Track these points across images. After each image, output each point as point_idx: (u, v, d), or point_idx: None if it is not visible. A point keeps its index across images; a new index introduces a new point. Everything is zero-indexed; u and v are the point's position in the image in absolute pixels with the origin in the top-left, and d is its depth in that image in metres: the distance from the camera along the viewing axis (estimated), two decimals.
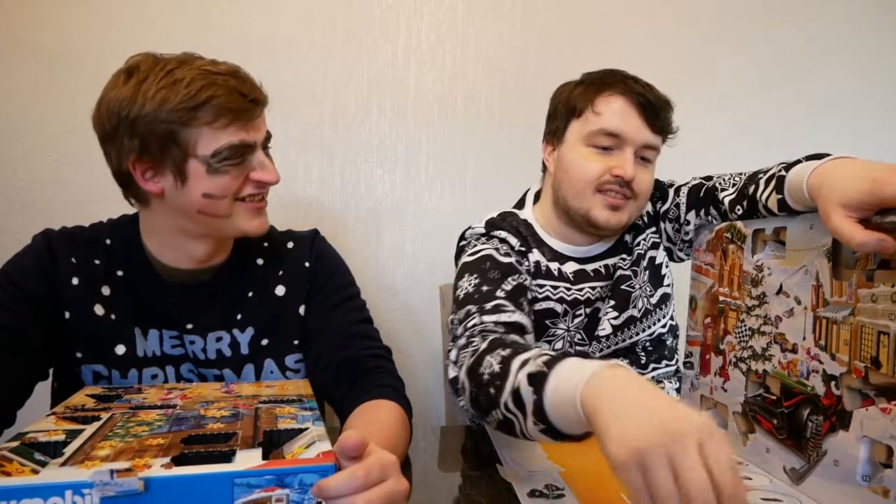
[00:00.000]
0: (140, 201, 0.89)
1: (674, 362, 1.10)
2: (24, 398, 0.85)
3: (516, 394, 0.66)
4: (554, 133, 1.06)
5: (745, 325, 0.83)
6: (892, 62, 1.69)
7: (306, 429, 0.64)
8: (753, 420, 0.80)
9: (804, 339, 0.71)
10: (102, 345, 0.90)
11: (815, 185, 0.68)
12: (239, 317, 0.95)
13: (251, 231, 0.89)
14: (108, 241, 0.93)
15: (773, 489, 0.71)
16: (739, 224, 0.86)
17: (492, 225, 1.07)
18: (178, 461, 0.54)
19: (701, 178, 1.00)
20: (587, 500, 0.67)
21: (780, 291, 0.76)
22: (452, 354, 0.86)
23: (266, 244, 1.01)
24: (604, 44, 1.56)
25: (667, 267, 1.09)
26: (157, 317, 0.92)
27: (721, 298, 0.89)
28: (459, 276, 1.00)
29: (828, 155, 0.72)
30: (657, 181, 1.09)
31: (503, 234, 1.05)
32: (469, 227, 1.11)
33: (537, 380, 0.63)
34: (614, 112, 0.98)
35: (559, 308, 1.04)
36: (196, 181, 0.83)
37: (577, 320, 1.05)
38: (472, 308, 0.91)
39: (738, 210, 0.87)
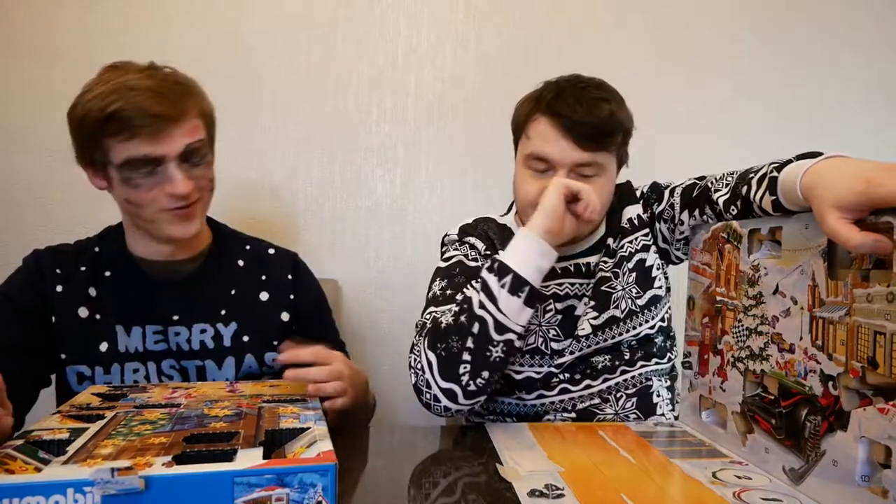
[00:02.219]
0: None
1: (665, 361, 1.09)
2: (31, 404, 0.94)
3: (485, 287, 0.91)
4: (515, 148, 1.11)
5: (742, 325, 0.84)
6: (893, 62, 1.70)
7: (308, 428, 0.64)
8: (752, 420, 0.81)
9: (801, 338, 0.72)
10: (87, 344, 0.96)
11: (808, 185, 0.68)
12: (223, 312, 1.01)
13: (176, 237, 0.95)
14: (96, 249, 1.01)
15: (773, 489, 0.71)
16: (735, 224, 0.86)
17: (464, 231, 1.14)
18: (179, 460, 0.54)
19: (695, 179, 1.00)
20: (587, 500, 0.67)
21: (776, 291, 0.77)
22: (411, 359, 0.95)
23: (248, 247, 1.09)
24: (604, 43, 1.56)
25: (659, 269, 1.09)
26: (142, 313, 0.98)
27: (718, 298, 0.90)
28: (433, 279, 1.08)
29: (819, 153, 0.72)
30: (654, 184, 1.10)
31: (472, 239, 1.11)
32: (447, 234, 1.17)
33: (492, 265, 0.92)
34: (539, 136, 0.98)
35: None
36: (118, 187, 0.91)
37: (547, 315, 1.06)
38: (429, 317, 0.98)
39: (733, 210, 0.87)
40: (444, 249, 1.16)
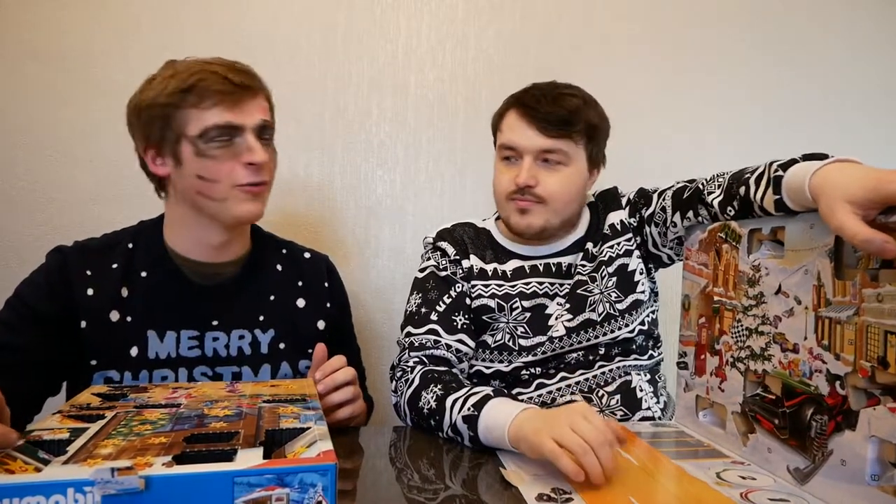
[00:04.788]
0: (161, 188, 0.97)
1: (646, 358, 1.10)
2: (34, 413, 0.90)
3: (454, 427, 0.88)
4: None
5: (741, 325, 0.83)
6: (893, 62, 1.70)
7: (308, 428, 0.64)
8: (753, 420, 0.80)
9: (805, 338, 0.71)
10: (117, 349, 0.92)
11: (817, 185, 0.67)
12: (261, 318, 1.00)
13: (243, 215, 0.93)
14: (129, 245, 0.97)
15: (779, 489, 0.71)
16: (734, 224, 0.86)
17: (440, 236, 1.17)
18: (179, 460, 0.54)
19: (684, 182, 1.01)
20: None
21: (778, 291, 0.76)
22: (392, 385, 1.03)
23: (284, 251, 1.09)
24: (604, 43, 1.56)
25: (642, 274, 1.10)
26: (179, 317, 0.95)
27: (716, 298, 0.89)
28: (411, 291, 1.14)
29: (824, 155, 0.72)
30: (641, 189, 1.11)
31: (444, 244, 1.14)
32: (426, 237, 1.20)
33: (470, 420, 0.85)
34: (509, 126, 1.07)
35: (492, 303, 1.10)
36: (189, 163, 0.89)
37: (514, 313, 1.09)
38: (406, 340, 1.06)
39: (730, 211, 0.86)
40: (423, 254, 1.19)
